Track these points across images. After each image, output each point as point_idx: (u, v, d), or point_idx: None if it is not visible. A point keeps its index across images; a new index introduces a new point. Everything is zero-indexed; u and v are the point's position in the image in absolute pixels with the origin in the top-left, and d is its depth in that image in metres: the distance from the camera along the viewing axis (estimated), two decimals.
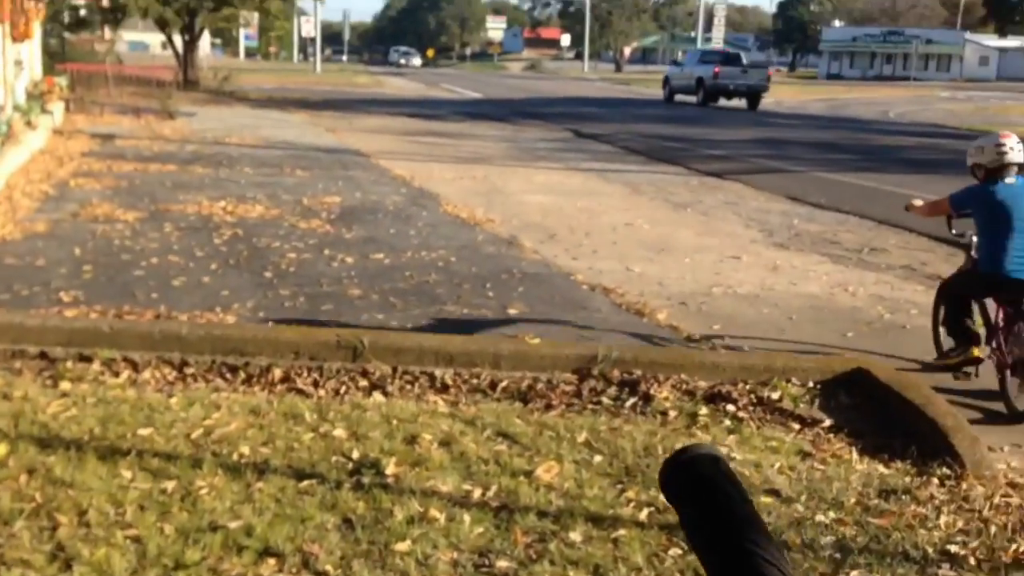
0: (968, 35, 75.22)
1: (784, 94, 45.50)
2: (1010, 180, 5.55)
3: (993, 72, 72.42)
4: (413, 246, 9.16)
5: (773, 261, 9.45)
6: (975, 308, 5.88)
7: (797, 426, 5.05)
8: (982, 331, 5.81)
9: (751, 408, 5.22)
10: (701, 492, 0.70)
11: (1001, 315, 5.61)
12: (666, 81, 38.67)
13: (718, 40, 60.83)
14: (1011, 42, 66.54)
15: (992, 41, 66.47)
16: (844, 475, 4.39)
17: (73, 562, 3.10)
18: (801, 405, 5.30)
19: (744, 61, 36.37)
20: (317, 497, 3.67)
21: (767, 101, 36.14)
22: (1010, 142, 5.59)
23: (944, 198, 6.07)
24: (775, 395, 5.35)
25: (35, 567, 3.06)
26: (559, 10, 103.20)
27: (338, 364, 5.18)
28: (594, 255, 9.33)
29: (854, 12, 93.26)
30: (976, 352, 5.69)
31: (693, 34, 65.01)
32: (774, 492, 4.16)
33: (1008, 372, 5.43)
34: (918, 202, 6.64)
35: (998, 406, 5.48)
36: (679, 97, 36.93)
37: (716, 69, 33.83)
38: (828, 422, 5.10)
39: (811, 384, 5.50)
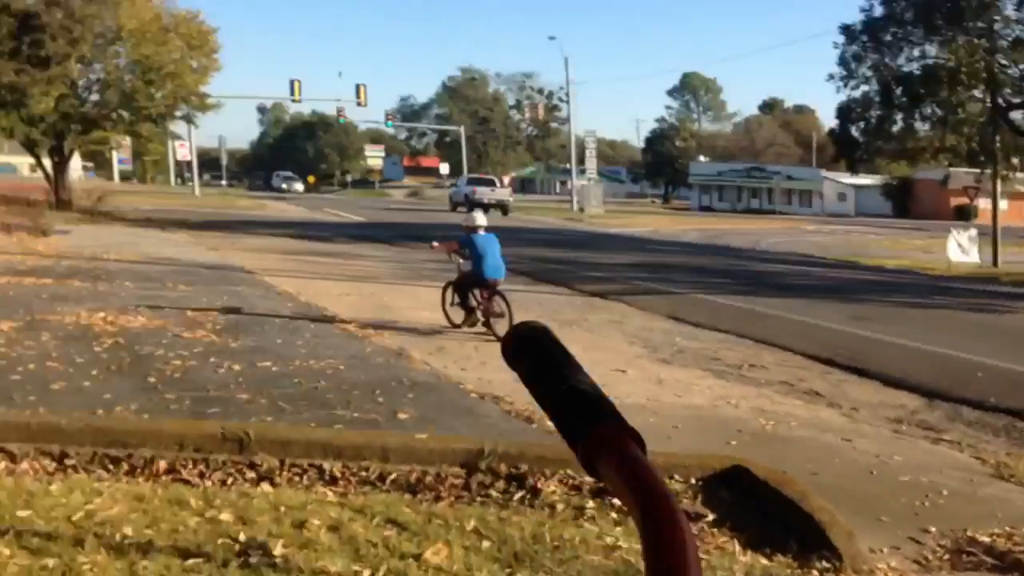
0: (824, 172, 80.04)
1: (660, 223, 47.39)
2: (481, 232, 11.18)
3: (851, 208, 77.01)
4: (301, 355, 9.13)
5: (658, 375, 9.74)
6: (470, 293, 11.24)
7: None
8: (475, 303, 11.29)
9: None
10: (531, 346, 0.88)
11: (483, 295, 11.14)
12: (450, 197, 54.99)
13: (592, 171, 62.94)
14: (865, 180, 71.08)
15: (847, 179, 70.83)
16: (728, 566, 4.52)
17: None
18: (684, 500, 5.46)
19: (497, 184, 54.83)
20: (203, 575, 3.61)
21: (644, 229, 37.76)
22: (478, 216, 11.47)
23: (453, 241, 11.77)
24: None
25: None
26: (435, 140, 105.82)
27: (224, 456, 5.13)
28: (482, 367, 9.46)
29: (717, 148, 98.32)
30: (478, 315, 11.22)
31: (568, 165, 67.30)
32: None
33: (490, 319, 11.04)
34: (436, 243, 12.19)
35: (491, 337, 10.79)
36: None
37: (474, 188, 50.63)
38: (711, 516, 5.26)
39: (693, 480, 5.67)
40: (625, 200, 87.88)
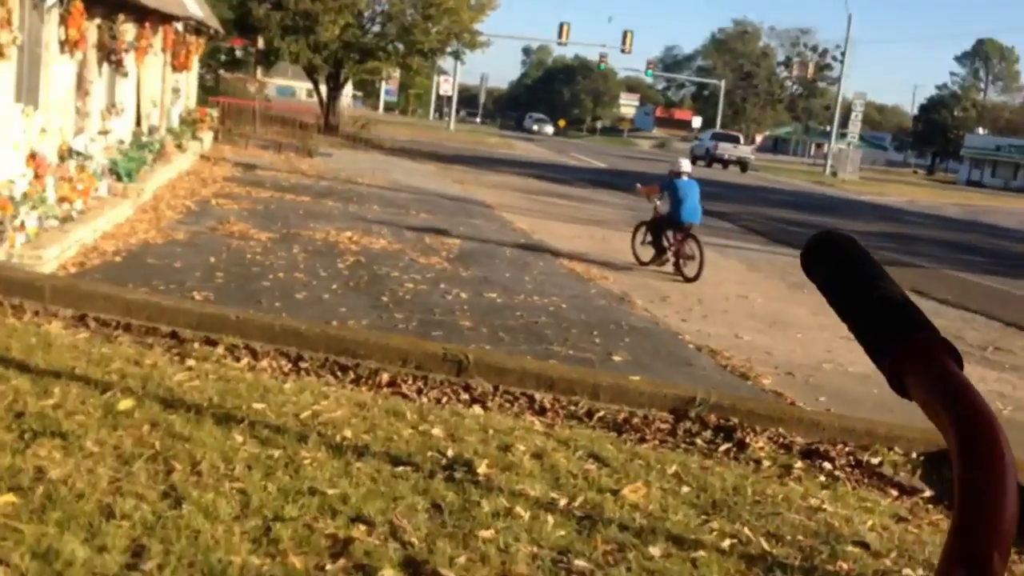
0: None
1: (918, 194, 44.63)
2: (684, 178, 11.66)
3: None
4: (526, 290, 9.37)
5: None
6: (663, 235, 11.77)
7: (895, 492, 4.97)
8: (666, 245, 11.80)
9: (848, 469, 5.16)
10: (836, 253, 0.81)
11: (676, 237, 11.63)
12: (692, 150, 53.16)
13: (854, 135, 59.85)
14: None
15: None
16: (940, 542, 4.29)
17: (183, 501, 3.33)
18: (902, 473, 5.21)
19: (741, 141, 52.59)
20: (410, 482, 3.83)
21: (899, 199, 35.73)
22: (684, 162, 12.12)
23: (655, 185, 12.36)
24: (875, 460, 5.28)
25: (148, 501, 3.30)
26: (693, 92, 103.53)
27: (442, 376, 5.37)
28: (704, 319, 9.36)
29: (999, 121, 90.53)
30: (668, 256, 11.71)
31: (828, 128, 64.05)
32: (863, 544, 4.11)
33: (680, 262, 11.51)
34: (639, 185, 13.14)
35: (679, 279, 11.40)
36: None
37: (716, 143, 50.25)
38: (929, 493, 4.99)
39: (915, 455, 5.39)
40: (884, 168, 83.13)
